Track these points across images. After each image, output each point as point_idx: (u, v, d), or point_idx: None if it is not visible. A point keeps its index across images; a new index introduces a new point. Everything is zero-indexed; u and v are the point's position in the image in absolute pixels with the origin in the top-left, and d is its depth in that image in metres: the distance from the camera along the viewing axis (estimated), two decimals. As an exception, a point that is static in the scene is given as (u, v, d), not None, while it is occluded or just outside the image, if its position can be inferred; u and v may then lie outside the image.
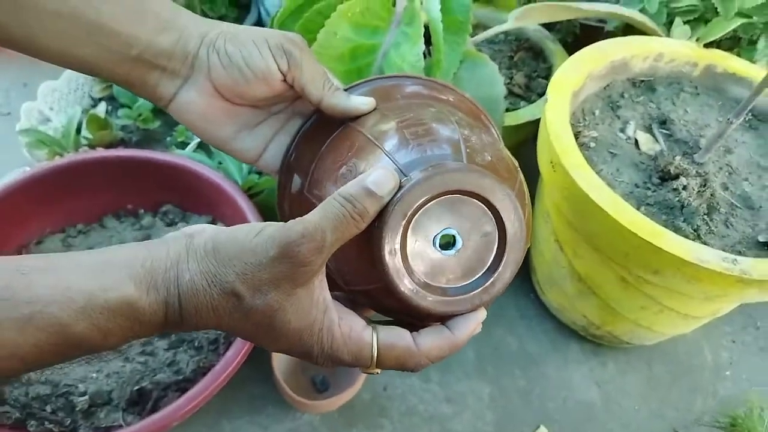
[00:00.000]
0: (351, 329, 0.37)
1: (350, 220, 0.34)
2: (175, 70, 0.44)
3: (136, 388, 0.68)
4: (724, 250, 0.60)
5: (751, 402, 0.78)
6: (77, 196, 0.82)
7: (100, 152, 0.83)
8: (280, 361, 0.75)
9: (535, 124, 0.77)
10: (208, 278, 0.34)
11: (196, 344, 0.72)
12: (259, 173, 0.95)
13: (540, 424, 0.80)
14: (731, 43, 0.88)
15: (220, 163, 0.92)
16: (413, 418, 0.79)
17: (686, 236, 0.62)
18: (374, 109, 0.44)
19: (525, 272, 0.95)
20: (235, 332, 0.37)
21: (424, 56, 0.66)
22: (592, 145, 0.70)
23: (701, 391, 0.86)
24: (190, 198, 0.84)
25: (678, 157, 0.68)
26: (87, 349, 0.34)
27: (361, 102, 0.44)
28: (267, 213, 0.79)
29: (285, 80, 0.44)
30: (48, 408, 0.66)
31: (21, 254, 0.79)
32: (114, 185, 0.83)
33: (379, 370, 0.39)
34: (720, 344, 0.91)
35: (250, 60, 0.43)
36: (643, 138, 0.72)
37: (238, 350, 0.65)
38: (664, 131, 0.74)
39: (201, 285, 0.34)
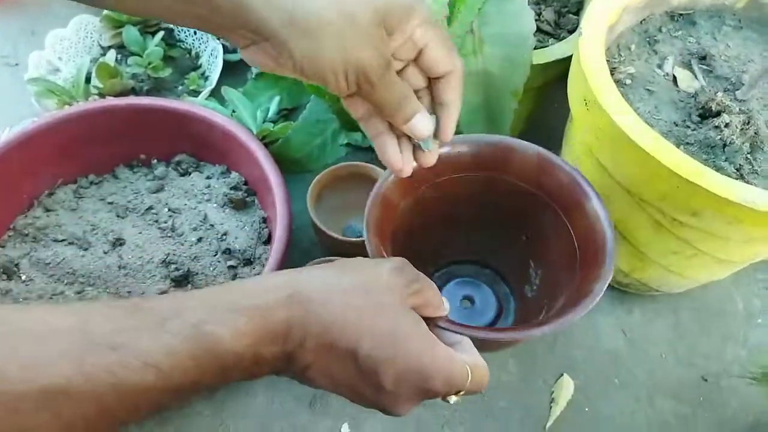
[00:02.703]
0: (445, 347, 0.38)
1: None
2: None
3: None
4: (767, 190, 0.57)
5: (785, 352, 0.76)
6: (89, 147, 0.80)
7: (111, 101, 0.80)
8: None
9: (565, 62, 0.73)
10: (327, 282, 0.37)
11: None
12: (274, 121, 0.92)
13: (563, 373, 0.79)
14: (776, -28, 0.82)
15: (233, 111, 0.89)
16: (437, 367, 0.78)
17: (728, 176, 0.58)
18: None
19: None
20: (358, 334, 0.36)
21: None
22: (628, 81, 0.66)
23: (731, 339, 0.83)
24: (204, 147, 0.82)
25: (719, 94, 0.64)
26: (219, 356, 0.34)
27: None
28: (281, 161, 0.76)
29: None
30: None
31: (33, 205, 0.77)
32: (126, 135, 0.81)
33: (458, 398, 0.39)
34: (752, 291, 0.88)
35: (322, 80, 0.40)
36: (682, 74, 0.68)
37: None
38: (704, 67, 0.69)
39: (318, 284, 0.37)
